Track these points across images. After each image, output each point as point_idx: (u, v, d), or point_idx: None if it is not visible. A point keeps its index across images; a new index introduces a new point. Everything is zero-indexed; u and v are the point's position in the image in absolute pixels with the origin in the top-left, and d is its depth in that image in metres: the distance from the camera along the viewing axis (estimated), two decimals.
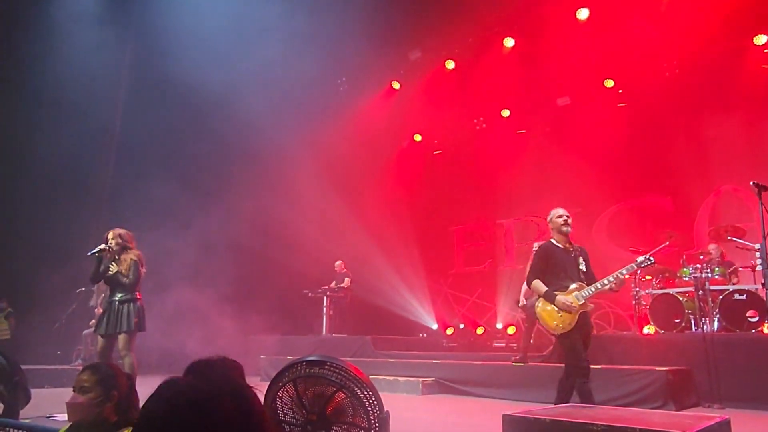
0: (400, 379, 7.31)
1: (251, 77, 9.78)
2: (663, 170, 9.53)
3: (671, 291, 6.85)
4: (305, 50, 9.56)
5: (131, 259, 5.18)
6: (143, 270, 5.27)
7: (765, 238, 4.30)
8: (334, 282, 10.25)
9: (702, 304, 6.28)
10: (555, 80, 10.24)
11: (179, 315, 8.34)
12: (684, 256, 7.17)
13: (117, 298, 5.13)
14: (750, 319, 6.02)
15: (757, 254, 5.93)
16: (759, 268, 6.03)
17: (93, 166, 10.93)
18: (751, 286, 6.37)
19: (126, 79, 11.24)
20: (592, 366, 4.28)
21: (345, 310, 10.28)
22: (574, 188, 9.28)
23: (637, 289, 7.14)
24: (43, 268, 9.19)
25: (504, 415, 3.19)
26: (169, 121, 10.26)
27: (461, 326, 11.28)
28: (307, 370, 2.55)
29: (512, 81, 10.65)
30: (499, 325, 10.83)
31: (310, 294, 10.24)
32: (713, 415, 3.71)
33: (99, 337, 5.17)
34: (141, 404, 0.99)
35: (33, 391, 3.52)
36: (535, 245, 7.40)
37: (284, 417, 2.63)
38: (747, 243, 6.66)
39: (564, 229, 4.39)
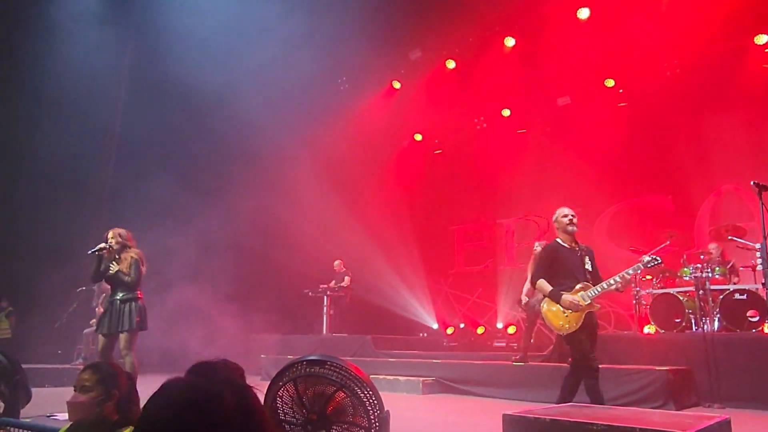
0: (400, 378, 7.31)
1: (251, 77, 9.78)
2: (663, 170, 9.52)
3: (672, 291, 6.85)
4: (305, 50, 9.56)
5: (132, 257, 5.18)
6: (144, 268, 5.28)
7: (765, 238, 4.29)
8: (333, 281, 10.26)
9: (702, 304, 6.28)
10: (555, 80, 10.23)
11: (180, 314, 8.35)
12: (684, 256, 7.17)
13: (118, 297, 5.14)
14: (750, 319, 6.02)
15: (758, 254, 5.93)
16: (759, 267, 6.03)
17: (93, 166, 10.93)
18: (751, 286, 6.37)
19: (126, 79, 11.24)
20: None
21: (345, 309, 10.28)
22: (574, 188, 9.27)
23: (638, 288, 7.14)
24: (43, 267, 9.20)
25: (504, 415, 3.20)
26: (169, 121, 10.27)
27: (462, 326, 11.28)
28: (308, 369, 2.56)
29: (513, 81, 10.65)
30: (500, 325, 10.83)
31: (310, 293, 10.24)
32: (713, 414, 3.71)
33: (100, 336, 5.17)
34: (142, 403, 1.00)
35: (34, 390, 3.53)
36: (536, 245, 7.44)
37: (285, 416, 2.64)
38: (747, 243, 6.66)
39: (569, 228, 4.36)
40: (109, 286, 5.39)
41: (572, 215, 4.40)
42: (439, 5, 9.94)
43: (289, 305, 10.67)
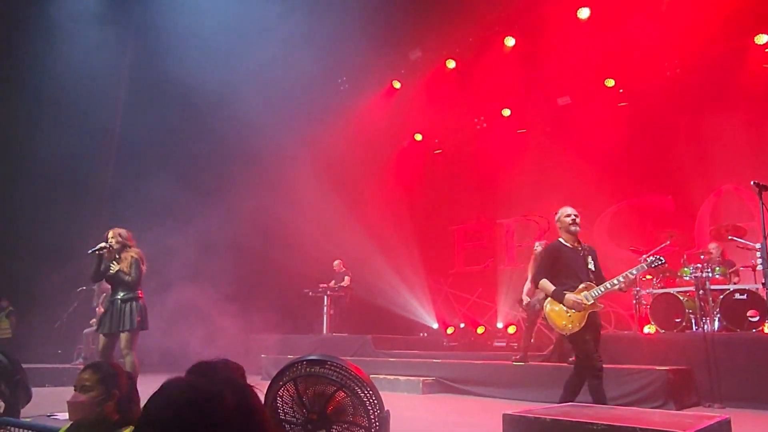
0: (400, 378, 7.31)
1: (251, 77, 9.78)
2: (664, 170, 9.52)
3: (672, 290, 6.85)
4: (305, 50, 9.56)
5: (132, 257, 5.19)
6: (144, 268, 5.28)
7: (765, 238, 4.29)
8: (333, 281, 10.26)
9: (702, 304, 6.27)
10: (556, 80, 10.23)
11: (180, 314, 8.36)
12: (685, 256, 7.17)
13: (119, 297, 5.14)
14: (750, 319, 6.01)
15: (758, 254, 5.93)
16: (759, 267, 6.03)
17: (93, 166, 10.94)
18: (751, 286, 6.37)
19: (126, 79, 11.25)
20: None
21: (345, 309, 10.28)
22: (574, 188, 9.27)
23: (638, 288, 7.14)
24: (43, 267, 9.21)
25: (504, 415, 3.20)
26: (169, 121, 10.27)
27: (462, 325, 11.28)
28: (308, 369, 2.56)
29: (513, 80, 10.64)
30: (500, 325, 10.83)
31: (310, 293, 10.25)
32: (713, 414, 3.71)
33: (101, 335, 5.17)
34: (142, 403, 1.00)
35: (34, 389, 3.52)
36: (537, 245, 7.44)
37: (285, 416, 2.64)
38: (748, 242, 6.66)
39: (572, 228, 4.33)
40: (109, 286, 5.39)
41: (575, 215, 4.36)
42: (439, 5, 9.94)
43: (289, 305, 10.68)
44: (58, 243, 9.50)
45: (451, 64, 11.32)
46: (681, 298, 6.64)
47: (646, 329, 6.86)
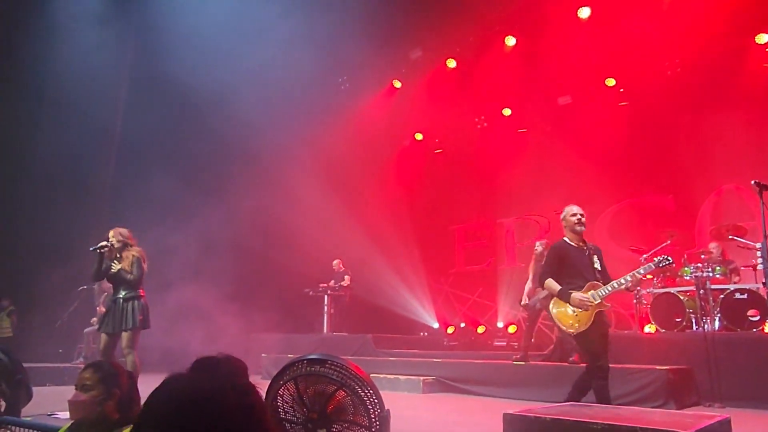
0: (401, 377, 7.32)
1: (251, 76, 9.78)
2: (664, 169, 9.52)
3: (672, 290, 6.85)
4: (305, 50, 9.56)
5: (133, 255, 5.20)
6: (145, 266, 5.28)
7: (766, 237, 4.29)
8: (333, 281, 10.26)
9: (703, 303, 6.27)
10: (556, 79, 10.22)
11: (181, 314, 8.36)
12: (685, 255, 7.17)
13: (121, 296, 5.14)
14: (751, 318, 6.01)
15: (758, 253, 5.93)
16: (760, 267, 6.03)
17: (93, 166, 10.94)
18: (752, 285, 6.37)
19: (126, 79, 11.25)
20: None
21: (345, 308, 10.29)
22: (575, 187, 9.26)
23: (638, 288, 7.13)
24: (44, 266, 9.21)
25: (505, 414, 3.20)
26: (170, 121, 10.28)
27: (462, 325, 11.28)
28: (308, 368, 2.56)
29: (513, 80, 10.64)
30: (500, 324, 10.83)
31: (311, 293, 10.25)
32: (714, 414, 3.71)
33: (103, 334, 5.17)
34: (143, 402, 1.00)
35: (35, 389, 3.53)
36: (537, 244, 7.44)
37: (285, 415, 2.64)
38: (748, 242, 6.67)
39: (578, 228, 4.29)
40: (110, 285, 5.40)
41: (581, 214, 4.32)
42: (439, 5, 9.94)
43: (289, 304, 10.69)
44: (59, 242, 9.51)
45: (451, 63, 11.32)
46: (681, 297, 6.64)
47: (647, 329, 6.86)
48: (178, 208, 9.36)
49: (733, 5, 8.26)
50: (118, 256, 5.20)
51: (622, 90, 10.08)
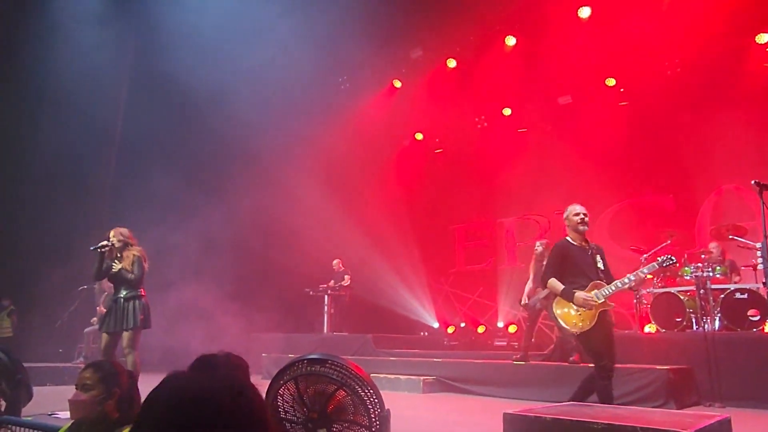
0: (401, 377, 7.32)
1: (252, 76, 9.79)
2: (664, 169, 9.52)
3: (672, 290, 6.85)
4: (306, 49, 9.56)
5: (134, 255, 5.20)
6: (146, 266, 5.28)
7: (766, 237, 4.29)
8: (332, 281, 10.26)
9: (703, 303, 6.27)
10: (556, 79, 10.22)
11: (181, 313, 8.37)
12: (685, 255, 7.16)
13: (122, 296, 5.15)
14: (751, 318, 6.01)
15: (759, 253, 5.93)
16: (760, 266, 6.03)
17: (94, 165, 10.96)
18: (752, 285, 6.37)
19: (127, 79, 11.26)
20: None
21: (345, 308, 10.29)
22: (575, 187, 9.26)
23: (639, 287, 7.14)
24: (44, 266, 9.22)
25: (505, 414, 3.20)
26: (170, 121, 10.28)
27: (462, 325, 11.28)
28: (309, 368, 2.56)
29: (514, 79, 10.64)
30: (500, 324, 10.84)
31: (311, 292, 10.25)
32: (714, 413, 3.71)
33: (104, 334, 5.17)
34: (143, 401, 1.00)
35: (35, 388, 3.53)
36: (537, 244, 7.44)
37: (285, 415, 2.64)
38: (748, 242, 6.66)
39: (581, 228, 4.26)
40: (110, 285, 5.40)
41: (584, 214, 4.29)
42: (440, 4, 9.94)
43: (290, 304, 10.69)
44: (59, 242, 9.52)
45: (451, 63, 11.32)
46: (682, 297, 6.64)
47: (647, 328, 6.86)
48: (178, 207, 9.37)
49: (733, 5, 8.26)
50: (118, 255, 5.21)
51: (622, 90, 10.08)
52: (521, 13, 10.19)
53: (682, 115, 9.33)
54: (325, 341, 9.48)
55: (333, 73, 11.50)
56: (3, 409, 3.32)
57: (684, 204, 9.36)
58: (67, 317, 9.39)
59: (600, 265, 4.24)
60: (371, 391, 2.52)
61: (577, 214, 4.30)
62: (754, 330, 5.98)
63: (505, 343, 9.84)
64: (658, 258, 4.20)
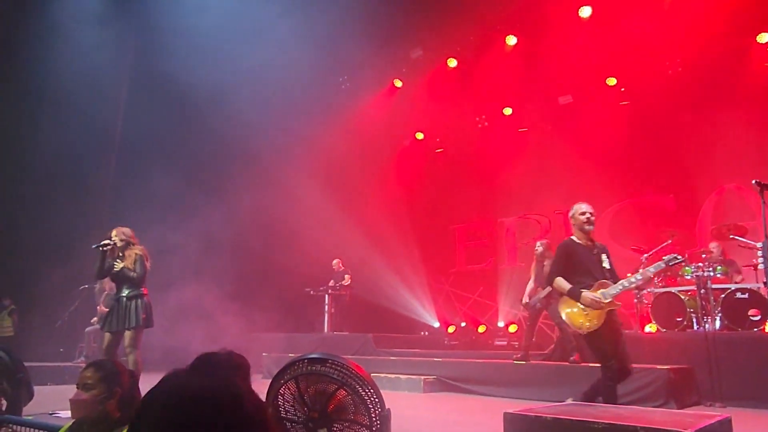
0: (401, 377, 7.32)
1: (252, 76, 9.79)
2: (665, 169, 9.51)
3: (673, 289, 6.85)
4: (306, 49, 9.56)
5: (136, 253, 5.21)
6: (148, 265, 5.29)
7: (767, 237, 4.28)
8: (332, 281, 10.26)
9: (704, 303, 6.27)
10: (557, 78, 10.22)
11: (182, 313, 8.37)
12: (686, 255, 7.16)
13: (124, 295, 5.15)
14: (752, 318, 6.01)
15: (759, 252, 5.92)
16: (761, 266, 6.02)
17: (94, 165, 10.96)
18: (753, 285, 6.37)
19: (127, 79, 11.26)
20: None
21: (346, 308, 10.29)
22: (575, 186, 9.27)
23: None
24: (45, 265, 9.23)
25: (505, 413, 3.20)
26: (170, 121, 10.28)
27: (463, 324, 11.29)
28: (309, 367, 2.56)
29: (514, 79, 10.64)
30: (501, 324, 10.84)
31: (312, 292, 10.26)
32: (715, 413, 3.71)
33: (106, 333, 5.17)
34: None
35: (36, 388, 3.54)
36: (538, 244, 7.45)
37: (286, 414, 2.64)
38: (749, 241, 6.66)
39: (586, 227, 4.22)
40: (111, 284, 5.41)
41: (590, 213, 4.25)
42: (440, 4, 9.94)
43: (290, 304, 10.69)
44: (60, 242, 9.52)
45: (452, 62, 11.32)
46: (682, 297, 6.64)
47: (648, 328, 6.86)
48: (178, 207, 9.37)
49: (734, 5, 8.25)
50: (120, 255, 5.21)
51: (623, 89, 10.07)
52: (522, 13, 10.19)
53: (683, 115, 9.33)
54: (326, 341, 9.49)
55: (333, 72, 11.50)
56: (4, 408, 3.33)
57: (685, 204, 9.35)
58: (68, 316, 9.40)
59: (606, 264, 4.20)
60: (372, 390, 2.52)
61: (583, 213, 4.26)
62: (755, 330, 5.97)
63: (505, 343, 9.85)
64: (664, 257, 4.17)
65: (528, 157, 10.93)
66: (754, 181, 4.40)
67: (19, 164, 9.99)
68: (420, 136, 12.64)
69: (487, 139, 11.75)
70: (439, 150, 12.75)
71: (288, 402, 2.64)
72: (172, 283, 8.30)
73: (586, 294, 3.99)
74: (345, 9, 9.15)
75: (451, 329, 11.32)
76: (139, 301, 5.13)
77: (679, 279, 7.07)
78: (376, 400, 2.52)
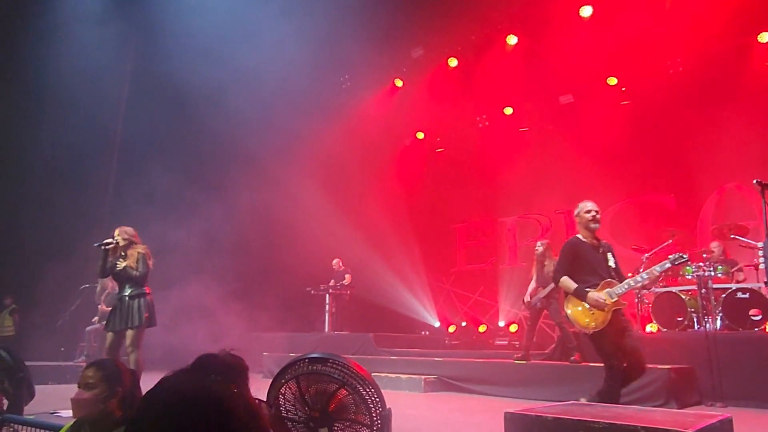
0: (402, 376, 7.32)
1: (253, 75, 9.79)
2: (666, 168, 9.51)
3: (674, 289, 6.85)
4: (307, 48, 9.56)
5: (139, 252, 5.22)
6: (151, 264, 5.29)
7: None
8: (332, 280, 10.26)
9: (705, 303, 6.26)
10: (558, 78, 10.22)
11: (182, 312, 8.38)
12: (687, 255, 7.15)
13: (127, 294, 5.15)
14: (753, 318, 6.01)
15: (760, 252, 5.92)
16: (762, 266, 6.02)
17: (95, 164, 10.97)
18: (753, 285, 6.36)
19: (128, 77, 11.27)
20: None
21: (347, 307, 10.29)
22: (576, 186, 9.26)
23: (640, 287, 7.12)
24: (46, 264, 9.24)
25: (506, 413, 3.20)
26: (171, 119, 10.29)
27: (463, 324, 11.29)
28: (310, 367, 2.56)
29: (515, 79, 10.63)
30: (502, 323, 10.84)
31: (312, 291, 10.26)
32: (715, 413, 3.71)
33: (109, 333, 5.16)
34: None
35: (37, 387, 3.55)
36: (538, 244, 7.44)
37: (287, 414, 2.65)
38: (750, 241, 6.66)
39: (592, 225, 4.19)
40: (113, 283, 5.41)
41: (596, 211, 4.21)
42: (441, 3, 9.94)
43: (291, 303, 10.70)
44: (61, 241, 9.53)
45: (453, 62, 11.32)
46: (683, 296, 6.63)
47: (648, 328, 6.86)
48: (179, 206, 9.38)
49: (734, 4, 8.24)
50: (123, 254, 5.21)
51: (623, 89, 10.07)
52: (523, 12, 10.19)
53: (684, 114, 9.31)
54: (327, 340, 9.49)
55: (334, 72, 11.50)
56: (5, 407, 3.33)
57: (686, 203, 9.35)
58: (69, 316, 9.41)
59: (611, 263, 4.18)
60: (372, 390, 2.53)
61: (589, 211, 4.23)
62: (756, 330, 5.97)
63: (506, 343, 9.85)
64: (670, 256, 4.14)
65: (528, 157, 10.92)
66: (755, 181, 4.39)
67: (19, 163, 10.01)
68: (421, 135, 12.64)
69: (487, 139, 11.75)
70: (439, 149, 12.75)
71: (289, 401, 2.64)
72: (173, 282, 8.30)
73: (592, 294, 3.96)
74: (345, 8, 9.15)
75: (451, 329, 11.32)
76: (142, 300, 5.13)
77: (679, 279, 7.07)
78: (377, 399, 2.52)
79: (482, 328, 10.96)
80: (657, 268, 4.12)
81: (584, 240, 4.24)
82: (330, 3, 9.36)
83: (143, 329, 5.13)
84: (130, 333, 5.06)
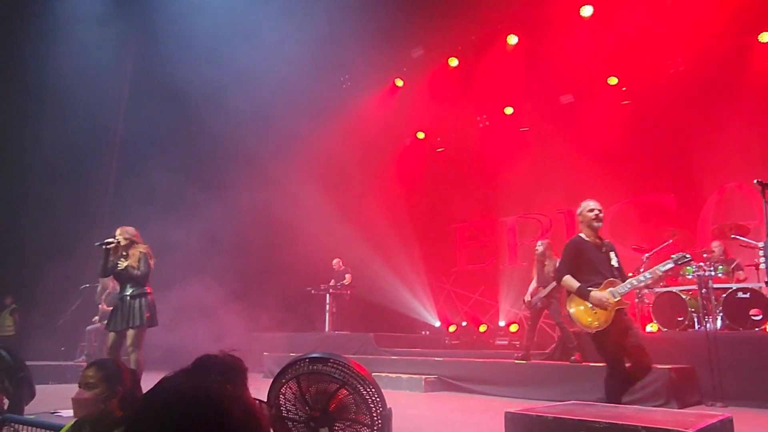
0: (402, 376, 7.32)
1: (253, 74, 9.79)
2: (666, 168, 9.50)
3: (674, 289, 6.84)
4: (308, 48, 9.56)
5: (140, 252, 5.22)
6: (152, 263, 5.29)
7: None
8: (333, 280, 10.26)
9: (705, 303, 6.26)
10: (558, 78, 10.21)
11: (183, 311, 8.38)
12: (689, 254, 7.14)
13: (128, 293, 5.15)
14: (753, 318, 6.00)
15: (761, 252, 5.92)
16: (762, 266, 6.01)
17: (95, 164, 10.98)
18: (754, 285, 6.36)
19: (128, 77, 11.27)
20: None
21: (347, 307, 10.30)
22: (576, 186, 9.26)
23: (641, 287, 7.11)
24: (46, 264, 9.24)
25: (506, 413, 3.20)
26: (171, 119, 10.29)
27: (464, 324, 11.29)
28: (310, 367, 2.56)
29: (515, 78, 10.63)
30: (502, 323, 10.84)
31: (312, 291, 10.26)
32: (716, 413, 3.71)
33: (110, 332, 5.16)
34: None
35: (38, 387, 3.55)
36: (538, 244, 7.44)
37: (288, 413, 2.65)
38: (750, 241, 6.65)
39: (595, 224, 4.18)
40: (113, 283, 5.41)
41: (599, 210, 4.20)
42: (441, 3, 9.94)
43: (291, 303, 10.70)
44: (61, 240, 9.53)
45: (453, 62, 11.32)
46: (683, 296, 6.63)
47: (649, 328, 6.85)
48: (179, 206, 9.38)
49: (735, 4, 8.24)
50: (124, 253, 5.21)
51: (624, 89, 10.06)
52: (523, 12, 10.18)
53: (685, 114, 9.31)
54: (327, 340, 9.49)
55: (334, 72, 11.50)
56: (6, 407, 3.33)
57: (686, 203, 9.34)
58: (70, 315, 9.42)
59: (614, 262, 4.16)
60: (373, 389, 2.53)
61: (592, 210, 4.21)
62: (756, 329, 5.97)
63: (506, 342, 9.84)
64: (673, 255, 4.13)
65: (529, 157, 10.92)
66: (755, 181, 4.39)
67: (20, 163, 10.01)
68: (421, 135, 12.64)
69: (488, 139, 11.75)
70: (440, 149, 12.75)
71: (289, 401, 2.64)
72: (173, 282, 8.30)
73: (595, 294, 3.95)
74: (345, 8, 9.15)
75: (452, 328, 11.32)
76: (144, 299, 5.13)
77: (680, 278, 7.06)
78: (378, 399, 2.52)
79: (483, 328, 10.96)
80: (660, 268, 4.10)
81: (587, 239, 4.22)
82: (330, 3, 9.36)
83: (144, 329, 5.13)
84: (131, 333, 5.06)
